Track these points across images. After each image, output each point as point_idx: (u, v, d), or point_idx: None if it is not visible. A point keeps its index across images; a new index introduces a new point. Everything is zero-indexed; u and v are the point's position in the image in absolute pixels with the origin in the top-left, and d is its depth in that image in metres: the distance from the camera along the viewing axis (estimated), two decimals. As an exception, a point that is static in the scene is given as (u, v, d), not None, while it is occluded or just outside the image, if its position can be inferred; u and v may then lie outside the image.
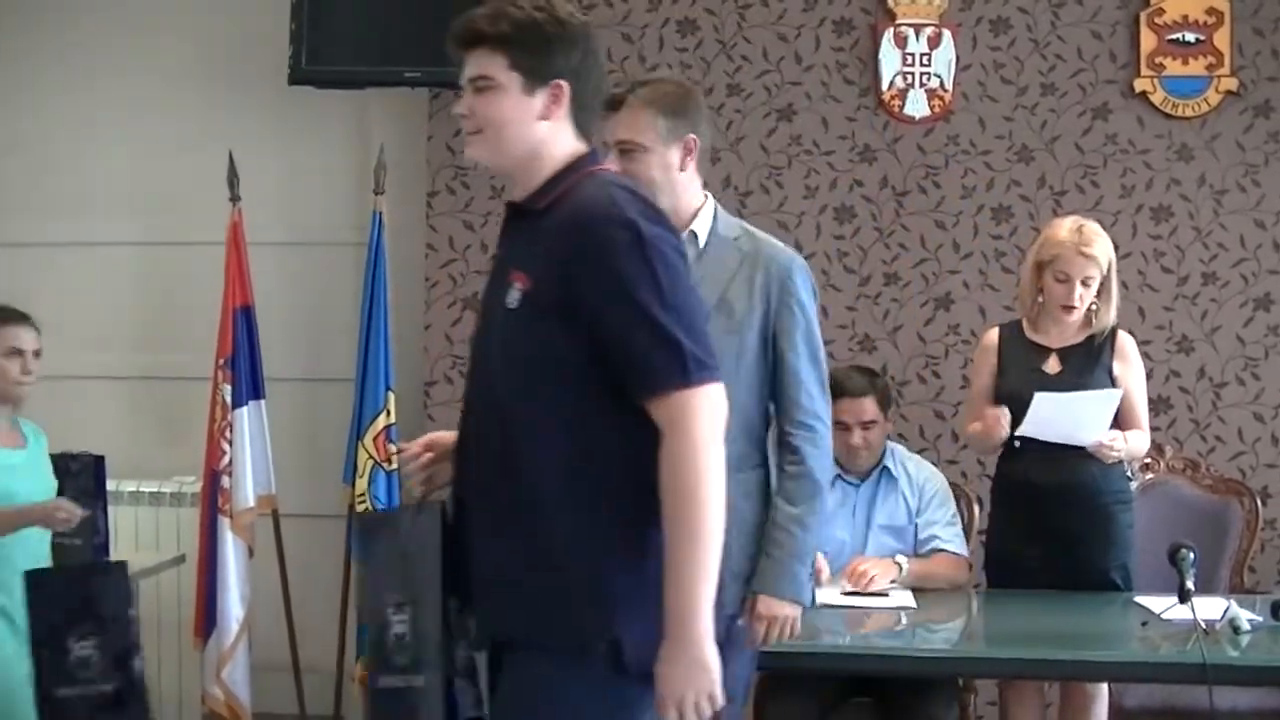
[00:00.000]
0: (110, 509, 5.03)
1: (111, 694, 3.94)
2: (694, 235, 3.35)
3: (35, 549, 4.30)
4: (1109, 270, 4.28)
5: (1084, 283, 4.25)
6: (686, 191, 3.37)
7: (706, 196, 3.43)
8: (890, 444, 4.57)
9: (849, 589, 4.19)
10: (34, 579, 3.95)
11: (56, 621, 3.91)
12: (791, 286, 3.33)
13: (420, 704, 2.72)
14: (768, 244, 3.42)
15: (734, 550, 3.19)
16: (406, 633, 2.77)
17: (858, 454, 4.43)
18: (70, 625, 3.91)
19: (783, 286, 3.33)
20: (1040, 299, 4.35)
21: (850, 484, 4.47)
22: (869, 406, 4.43)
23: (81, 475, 4.68)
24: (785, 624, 3.31)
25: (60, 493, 4.78)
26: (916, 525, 4.43)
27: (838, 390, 4.37)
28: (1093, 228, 4.31)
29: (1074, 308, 4.28)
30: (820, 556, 4.26)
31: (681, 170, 3.34)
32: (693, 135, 3.33)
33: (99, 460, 4.86)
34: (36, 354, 4.31)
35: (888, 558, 4.29)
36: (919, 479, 4.50)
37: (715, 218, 3.40)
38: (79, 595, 3.98)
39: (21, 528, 4.15)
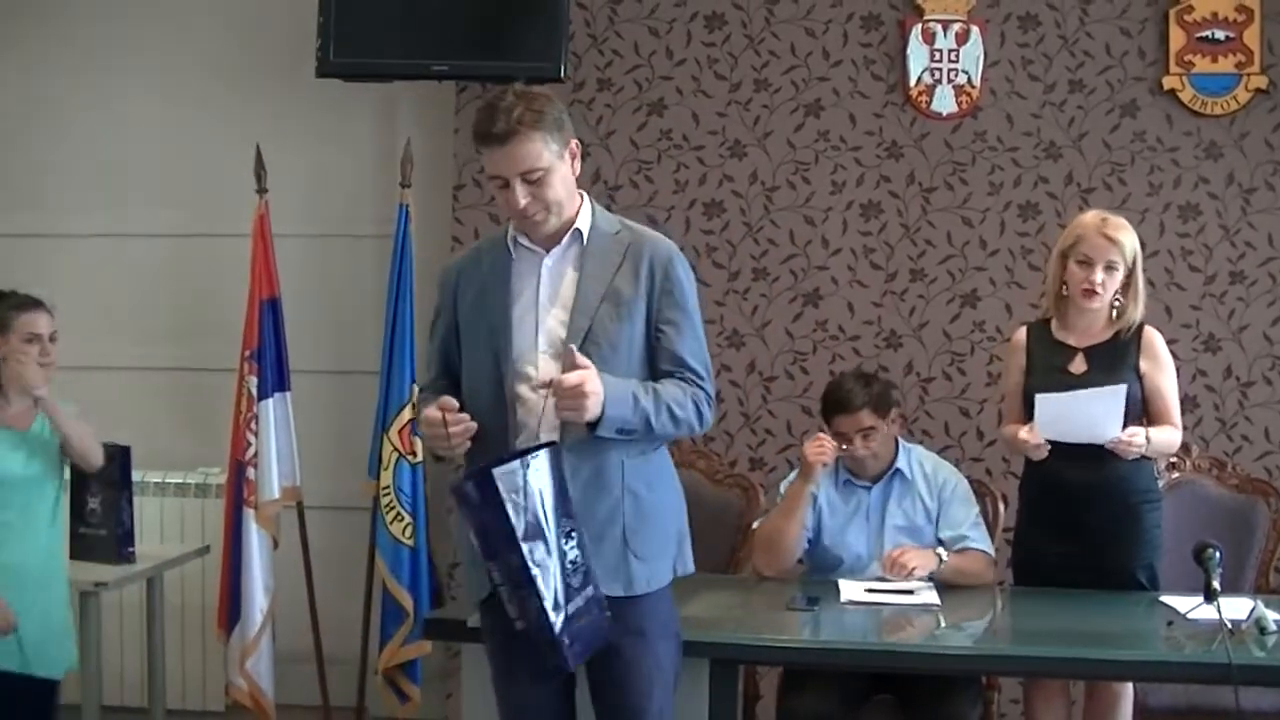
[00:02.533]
0: (136, 499, 5.07)
1: (595, 597, 3.18)
2: (579, 233, 3.36)
3: (47, 543, 4.32)
4: (1134, 264, 4.25)
5: (1107, 268, 4.22)
6: (575, 194, 3.39)
7: (582, 195, 3.44)
8: (906, 444, 4.56)
9: (881, 583, 4.19)
10: (466, 484, 3.07)
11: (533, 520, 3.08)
12: (673, 273, 3.36)
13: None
14: (647, 235, 3.44)
15: (638, 535, 3.30)
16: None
17: (864, 462, 4.43)
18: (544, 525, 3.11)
19: (665, 274, 3.35)
20: (1064, 291, 4.33)
21: (861, 487, 4.47)
22: (864, 418, 4.39)
23: (108, 465, 4.70)
24: (582, 399, 3.13)
25: (84, 483, 4.82)
26: (939, 523, 4.42)
27: (832, 407, 4.47)
28: (1118, 218, 4.30)
29: (1095, 292, 4.24)
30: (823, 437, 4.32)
31: (575, 176, 3.37)
32: (574, 140, 3.34)
33: (125, 450, 4.89)
34: (53, 338, 4.32)
35: (928, 549, 4.29)
36: (937, 479, 4.47)
37: (595, 213, 3.42)
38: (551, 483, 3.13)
39: None
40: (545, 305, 3.34)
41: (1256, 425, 5.40)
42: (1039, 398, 4.15)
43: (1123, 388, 4.19)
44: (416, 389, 5.43)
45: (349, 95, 5.70)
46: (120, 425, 5.36)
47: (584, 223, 3.38)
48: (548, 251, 3.37)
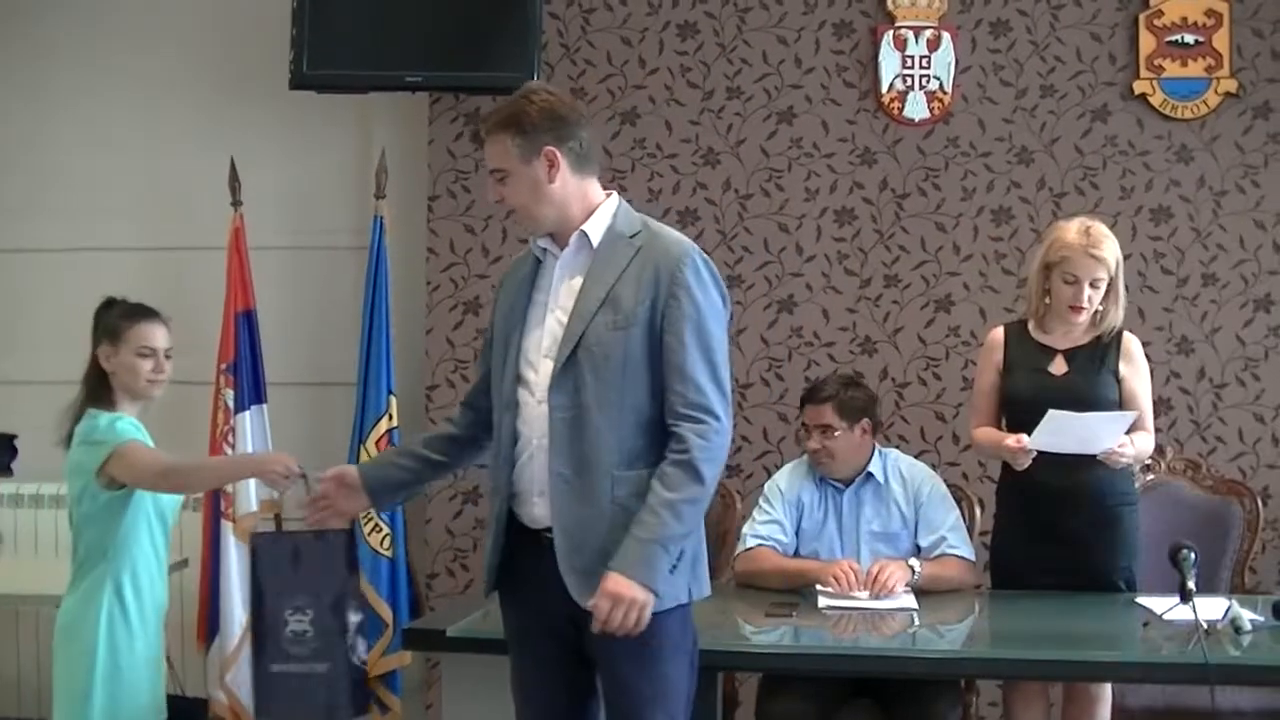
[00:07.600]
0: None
1: (323, 675, 3.54)
2: (585, 236, 3.29)
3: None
4: (1116, 271, 4.29)
5: (1092, 284, 4.25)
6: (572, 198, 3.29)
7: (609, 195, 3.37)
8: (885, 450, 4.57)
9: (864, 596, 4.18)
10: (259, 541, 3.73)
11: (277, 590, 3.59)
12: (680, 277, 3.22)
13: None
14: (665, 237, 3.32)
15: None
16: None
17: (818, 458, 4.47)
18: (287, 596, 3.58)
19: (671, 278, 3.21)
20: (1047, 300, 4.35)
21: (834, 487, 4.49)
22: (826, 413, 4.44)
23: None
24: (630, 609, 3.09)
25: None
26: (918, 529, 4.43)
27: (805, 394, 4.58)
28: (1100, 229, 4.31)
29: (1082, 309, 4.28)
30: (853, 563, 4.27)
31: (551, 183, 3.26)
32: (550, 148, 3.24)
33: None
34: (168, 353, 4.14)
35: (900, 560, 4.30)
36: (914, 483, 4.48)
37: (615, 216, 3.33)
38: (298, 564, 3.62)
39: (237, 480, 4.26)
40: (551, 309, 3.31)
41: (1230, 426, 5.42)
42: (1051, 413, 4.10)
43: (1133, 414, 4.22)
44: (393, 399, 5.44)
45: (323, 107, 5.69)
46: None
47: (595, 226, 3.29)
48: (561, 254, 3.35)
